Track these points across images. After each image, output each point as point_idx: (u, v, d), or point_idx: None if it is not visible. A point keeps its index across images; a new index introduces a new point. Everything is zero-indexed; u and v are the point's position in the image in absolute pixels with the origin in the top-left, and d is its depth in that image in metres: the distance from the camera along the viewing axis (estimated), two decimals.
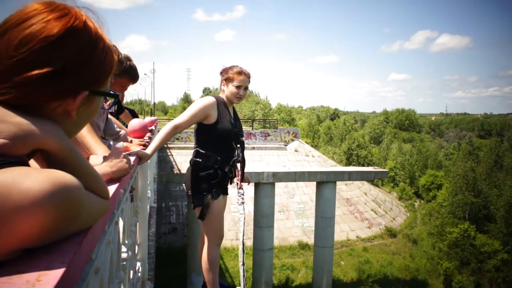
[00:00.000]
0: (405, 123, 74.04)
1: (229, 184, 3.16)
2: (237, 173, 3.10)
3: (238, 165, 3.08)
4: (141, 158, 2.48)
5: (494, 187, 29.02)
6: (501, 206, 24.53)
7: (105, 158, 1.37)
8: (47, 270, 0.53)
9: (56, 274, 0.52)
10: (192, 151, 3.08)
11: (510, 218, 23.07)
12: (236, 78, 3.04)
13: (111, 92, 0.85)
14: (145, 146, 2.75)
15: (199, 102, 2.95)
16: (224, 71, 3.09)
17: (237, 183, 3.13)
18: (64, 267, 0.55)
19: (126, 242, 1.95)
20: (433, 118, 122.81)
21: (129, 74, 3.05)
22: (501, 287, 20.01)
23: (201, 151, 2.93)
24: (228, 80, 3.03)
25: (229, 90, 3.03)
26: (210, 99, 2.96)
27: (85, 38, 0.73)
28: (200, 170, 2.93)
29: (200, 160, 2.92)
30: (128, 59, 3.06)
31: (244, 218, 3.16)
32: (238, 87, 3.02)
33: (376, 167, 23.09)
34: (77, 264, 0.62)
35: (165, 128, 2.86)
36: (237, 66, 3.11)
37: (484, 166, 33.97)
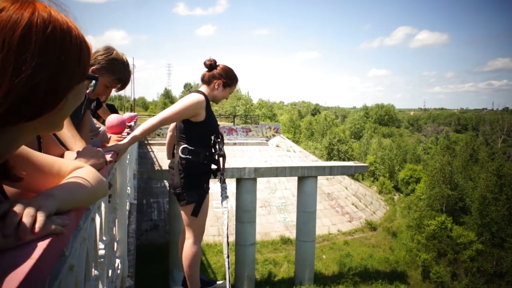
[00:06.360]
0: (385, 118, 75.19)
1: (212, 177, 3.17)
2: (220, 167, 3.12)
3: (221, 159, 3.10)
4: (118, 152, 2.44)
5: (469, 180, 29.83)
6: (475, 198, 25.22)
7: (79, 154, 1.34)
8: (13, 266, 0.51)
9: (23, 270, 0.51)
10: (175, 147, 3.05)
11: (484, 210, 23.75)
12: (234, 86, 3.12)
13: (89, 74, 0.83)
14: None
15: (190, 99, 2.89)
16: (227, 74, 3.05)
17: (221, 177, 3.14)
18: (32, 263, 0.53)
19: (104, 239, 1.92)
20: (411, 113, 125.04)
21: (108, 69, 2.32)
22: (475, 277, 20.65)
23: (190, 147, 2.91)
24: (227, 84, 3.04)
25: (223, 93, 3.06)
26: (200, 98, 2.91)
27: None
28: (191, 167, 2.92)
29: (190, 157, 2.90)
30: (107, 51, 2.36)
31: (228, 213, 3.17)
32: (230, 93, 3.12)
33: (356, 161, 23.39)
34: (47, 260, 0.60)
35: (152, 120, 2.83)
36: (234, 71, 3.14)
37: (460, 160, 34.87)
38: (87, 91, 1.25)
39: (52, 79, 0.65)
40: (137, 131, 2.71)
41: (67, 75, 0.68)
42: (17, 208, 0.64)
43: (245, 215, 14.27)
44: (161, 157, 20.48)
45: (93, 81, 1.06)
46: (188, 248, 3.05)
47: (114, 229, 2.83)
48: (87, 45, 0.74)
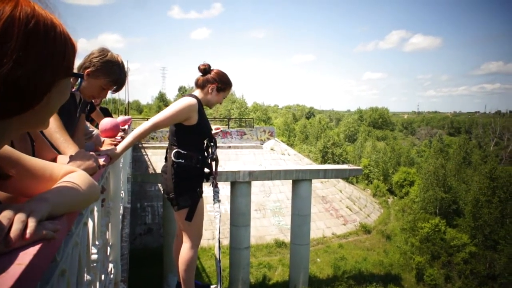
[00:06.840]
0: (379, 121, 75.50)
1: (205, 181, 3.16)
2: (213, 171, 3.11)
3: (214, 163, 3.10)
4: (111, 158, 2.43)
5: (462, 182, 30.01)
6: (469, 201, 25.39)
7: (72, 158, 1.33)
8: (2, 272, 0.51)
9: (12, 276, 0.50)
10: (168, 152, 3.04)
11: (477, 213, 23.91)
12: (228, 91, 3.12)
13: (75, 72, 0.82)
14: (117, 146, 2.69)
15: (182, 103, 2.89)
16: (221, 78, 3.05)
17: (213, 181, 3.14)
18: (22, 269, 0.53)
19: (97, 243, 1.90)
20: (405, 116, 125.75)
21: (103, 71, 2.30)
22: (469, 279, 20.75)
23: (183, 151, 2.90)
24: (220, 89, 3.04)
25: (217, 98, 3.06)
26: (193, 101, 2.91)
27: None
28: (184, 171, 2.90)
29: (183, 161, 2.89)
30: (102, 53, 2.33)
31: (220, 216, 3.17)
32: (224, 98, 3.11)
33: (350, 164, 23.46)
34: (37, 266, 0.59)
35: (145, 125, 2.82)
36: (228, 76, 3.15)
37: (453, 163, 35.09)
38: (72, 89, 1.24)
39: (35, 73, 0.64)
40: (129, 137, 2.70)
41: (51, 70, 0.67)
42: (8, 213, 0.63)
43: (239, 218, 14.24)
44: (155, 160, 20.41)
45: (79, 79, 1.06)
46: (184, 252, 3.04)
47: (107, 233, 2.81)
48: (72, 42, 0.73)
